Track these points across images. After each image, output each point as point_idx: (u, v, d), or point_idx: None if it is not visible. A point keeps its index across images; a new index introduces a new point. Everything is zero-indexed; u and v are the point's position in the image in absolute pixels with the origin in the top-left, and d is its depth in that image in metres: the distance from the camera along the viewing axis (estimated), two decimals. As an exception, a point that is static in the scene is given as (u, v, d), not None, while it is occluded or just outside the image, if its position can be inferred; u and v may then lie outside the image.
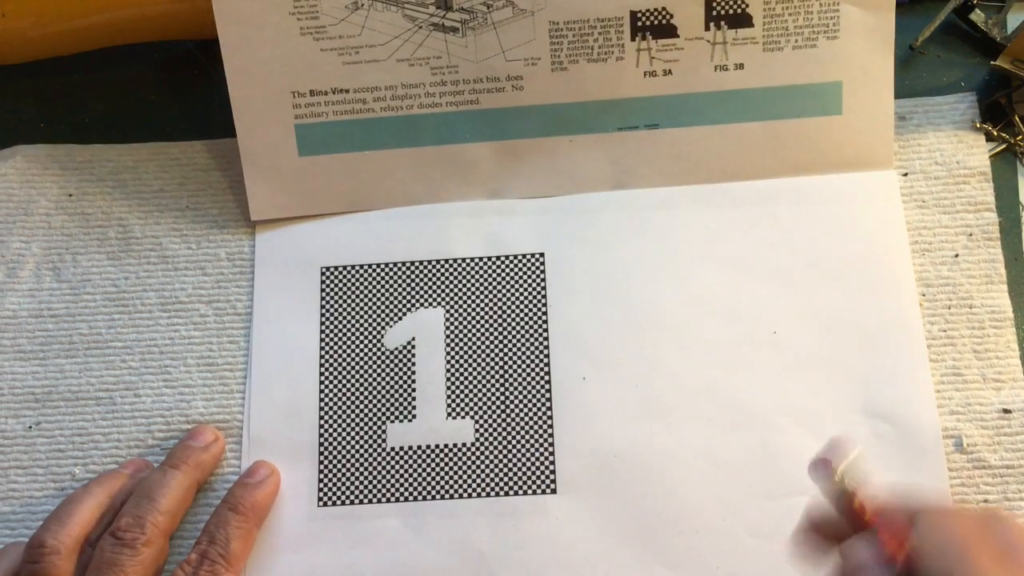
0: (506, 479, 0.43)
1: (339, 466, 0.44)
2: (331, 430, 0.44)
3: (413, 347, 0.45)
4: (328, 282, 0.46)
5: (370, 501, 0.43)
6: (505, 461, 0.43)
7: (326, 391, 0.45)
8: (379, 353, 0.45)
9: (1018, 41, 0.46)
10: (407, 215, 0.47)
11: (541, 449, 0.43)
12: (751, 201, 0.46)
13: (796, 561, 0.33)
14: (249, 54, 0.45)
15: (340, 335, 0.45)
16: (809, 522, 0.33)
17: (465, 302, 0.46)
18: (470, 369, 0.45)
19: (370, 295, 0.46)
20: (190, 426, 0.44)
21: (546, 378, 0.44)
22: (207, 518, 0.41)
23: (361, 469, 0.43)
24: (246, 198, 0.47)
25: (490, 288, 0.46)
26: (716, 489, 0.42)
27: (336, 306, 0.46)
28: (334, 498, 0.43)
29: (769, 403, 0.43)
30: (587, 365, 0.44)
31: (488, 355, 0.45)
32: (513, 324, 0.45)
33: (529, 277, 0.46)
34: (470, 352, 0.45)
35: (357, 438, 0.44)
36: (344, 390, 0.45)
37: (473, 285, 0.46)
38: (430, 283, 0.46)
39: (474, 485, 0.43)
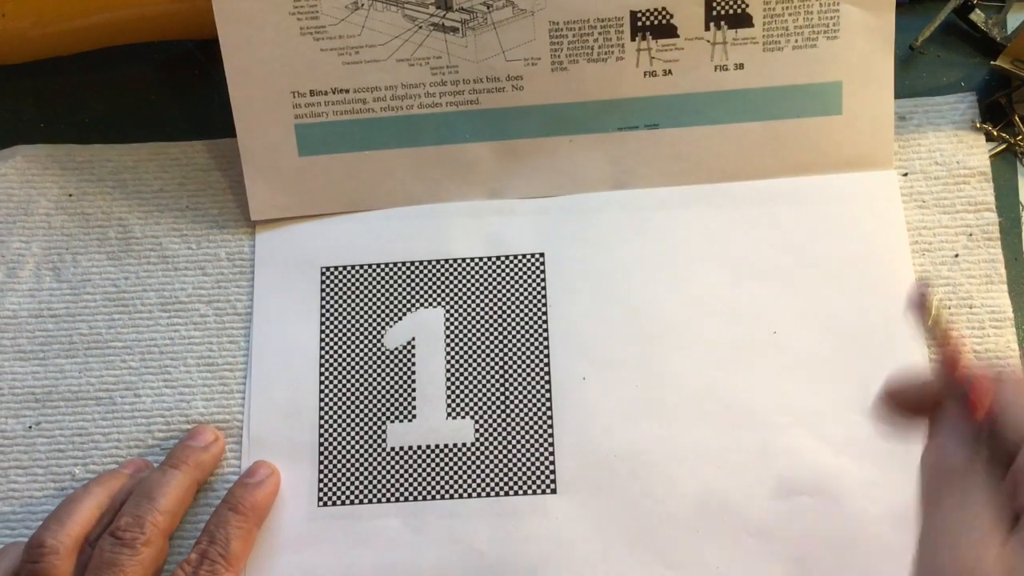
0: (506, 479, 0.43)
1: (339, 466, 0.44)
2: (331, 430, 0.44)
3: (413, 347, 0.45)
4: (328, 282, 0.46)
5: (370, 501, 0.43)
6: (505, 461, 0.43)
7: (326, 391, 0.45)
8: (379, 353, 0.45)
9: (1018, 41, 0.46)
10: (407, 215, 0.47)
11: (541, 449, 0.43)
12: (751, 201, 0.46)
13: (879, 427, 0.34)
14: (249, 54, 0.45)
15: (340, 335, 0.45)
16: (888, 392, 0.33)
17: (465, 302, 0.46)
18: (470, 369, 0.45)
19: (370, 295, 0.46)
20: (190, 426, 0.44)
21: (546, 378, 0.44)
22: (207, 518, 0.41)
23: (361, 469, 0.43)
24: (246, 198, 0.47)
25: (490, 288, 0.46)
26: (716, 489, 0.42)
27: (336, 306, 0.46)
28: (334, 498, 0.43)
29: (769, 403, 0.43)
30: (587, 365, 0.44)
31: (488, 355, 0.45)
32: (513, 324, 0.45)
33: (529, 277, 0.46)
34: (470, 352, 0.45)
35: (357, 438, 0.44)
36: (344, 390, 0.45)
37: (473, 285, 0.46)
38: (430, 283, 0.46)
39: (474, 485, 0.43)
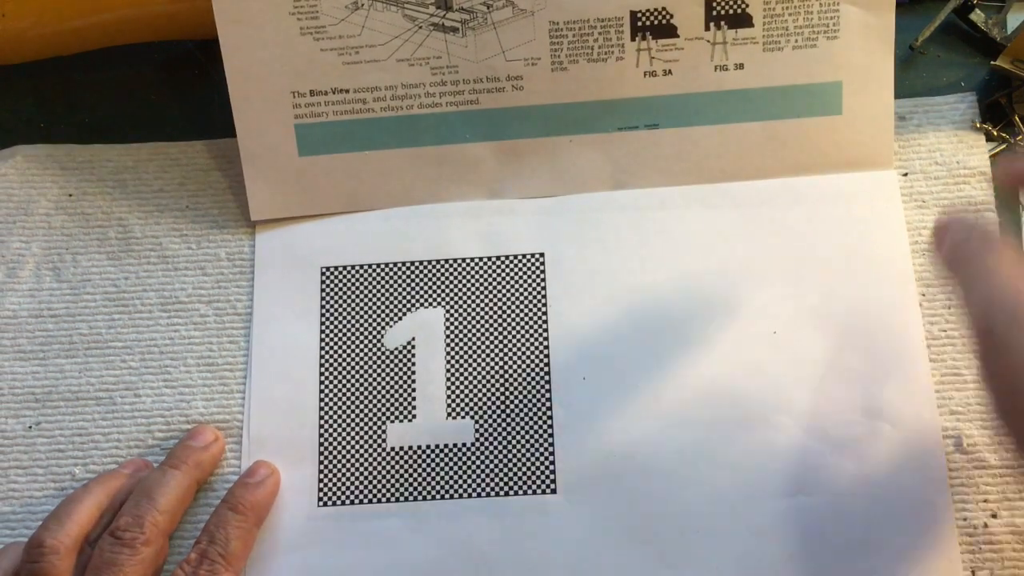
0: (506, 479, 0.43)
1: (339, 466, 0.44)
2: (331, 430, 0.44)
3: (413, 347, 0.45)
4: (328, 282, 0.46)
5: (370, 501, 0.43)
6: (505, 461, 0.43)
7: (326, 391, 0.45)
8: (379, 353, 0.45)
9: (1018, 41, 0.46)
10: (407, 215, 0.47)
11: (541, 449, 0.43)
12: (751, 201, 0.46)
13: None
14: (249, 54, 0.45)
15: (340, 335, 0.45)
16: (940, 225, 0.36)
17: (465, 302, 0.46)
18: (470, 369, 0.45)
19: (370, 295, 0.46)
20: (190, 426, 0.44)
21: (546, 378, 0.44)
22: (207, 518, 0.41)
23: (361, 469, 0.43)
24: (246, 198, 0.47)
25: (490, 288, 0.46)
26: (716, 489, 0.42)
27: (336, 306, 0.46)
28: (334, 498, 0.43)
29: (769, 403, 0.43)
30: (587, 365, 0.44)
31: (488, 355, 0.45)
32: (513, 324, 0.45)
33: (529, 277, 0.46)
34: (470, 352, 0.45)
35: (357, 438, 0.44)
36: (344, 390, 0.45)
37: (473, 285, 0.46)
38: (430, 283, 0.46)
39: (474, 485, 0.43)
